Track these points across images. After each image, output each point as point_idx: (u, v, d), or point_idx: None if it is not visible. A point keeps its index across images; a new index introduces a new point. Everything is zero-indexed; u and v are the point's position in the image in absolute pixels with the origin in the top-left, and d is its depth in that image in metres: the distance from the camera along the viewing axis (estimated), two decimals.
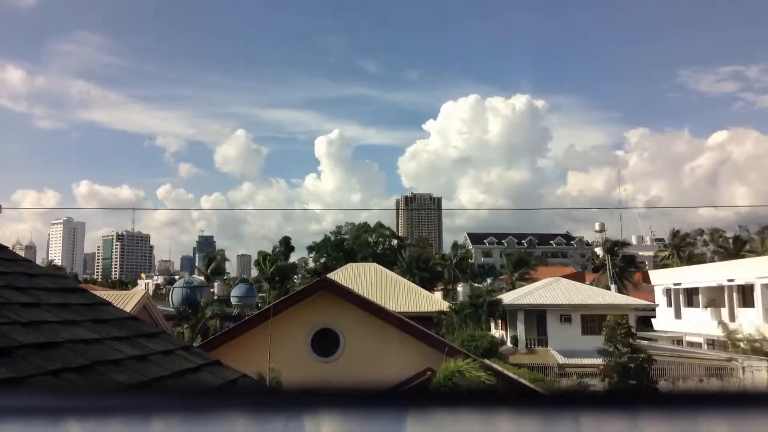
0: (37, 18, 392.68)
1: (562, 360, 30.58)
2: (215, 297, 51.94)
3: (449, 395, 3.91)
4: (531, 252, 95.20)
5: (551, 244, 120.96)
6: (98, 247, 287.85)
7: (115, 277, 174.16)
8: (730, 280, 35.35)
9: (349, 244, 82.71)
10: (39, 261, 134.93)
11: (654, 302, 41.30)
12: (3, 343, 2.66)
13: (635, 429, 1.09)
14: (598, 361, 24.19)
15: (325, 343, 14.46)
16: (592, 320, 32.31)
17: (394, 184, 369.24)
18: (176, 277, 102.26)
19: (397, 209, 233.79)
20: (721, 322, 33.80)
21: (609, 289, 43.38)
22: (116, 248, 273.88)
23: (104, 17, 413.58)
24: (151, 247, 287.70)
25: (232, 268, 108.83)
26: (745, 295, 34.78)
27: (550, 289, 35.63)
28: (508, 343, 34.38)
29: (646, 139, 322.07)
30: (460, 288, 48.48)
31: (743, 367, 26.17)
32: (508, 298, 36.61)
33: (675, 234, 70.14)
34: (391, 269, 46.44)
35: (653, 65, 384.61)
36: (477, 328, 29.53)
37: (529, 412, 1.10)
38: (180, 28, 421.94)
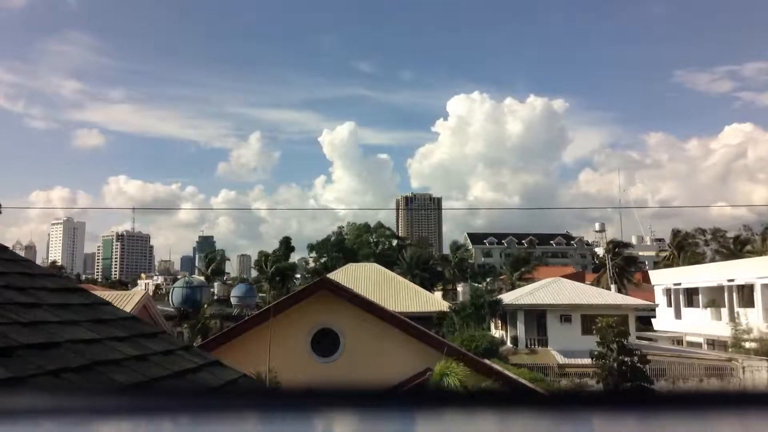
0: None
1: (562, 360, 30.58)
2: (215, 297, 51.85)
3: (449, 395, 3.91)
4: (531, 252, 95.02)
5: (551, 244, 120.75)
6: (98, 247, 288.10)
7: (115, 277, 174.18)
8: (730, 280, 35.33)
9: (350, 244, 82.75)
10: (39, 261, 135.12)
11: (654, 302, 41.29)
12: (3, 343, 2.65)
13: (635, 429, 1.09)
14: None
15: (325, 343, 14.45)
16: (592, 320, 32.14)
17: (394, 184, 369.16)
18: (178, 276, 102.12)
19: (397, 209, 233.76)
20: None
21: (609, 289, 43.42)
22: (116, 248, 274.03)
23: (90, 15, 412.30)
24: (151, 247, 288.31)
25: (232, 269, 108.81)
26: (745, 295, 34.76)
27: (550, 289, 35.63)
28: (508, 343, 34.39)
29: (646, 140, 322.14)
30: (460, 288, 48.49)
31: (743, 367, 26.18)
32: (508, 298, 36.62)
33: (676, 234, 70.03)
34: (392, 269, 46.51)
35: (653, 65, 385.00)
36: (478, 328, 29.55)
37: (530, 412, 1.10)
38: (180, 28, 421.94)
